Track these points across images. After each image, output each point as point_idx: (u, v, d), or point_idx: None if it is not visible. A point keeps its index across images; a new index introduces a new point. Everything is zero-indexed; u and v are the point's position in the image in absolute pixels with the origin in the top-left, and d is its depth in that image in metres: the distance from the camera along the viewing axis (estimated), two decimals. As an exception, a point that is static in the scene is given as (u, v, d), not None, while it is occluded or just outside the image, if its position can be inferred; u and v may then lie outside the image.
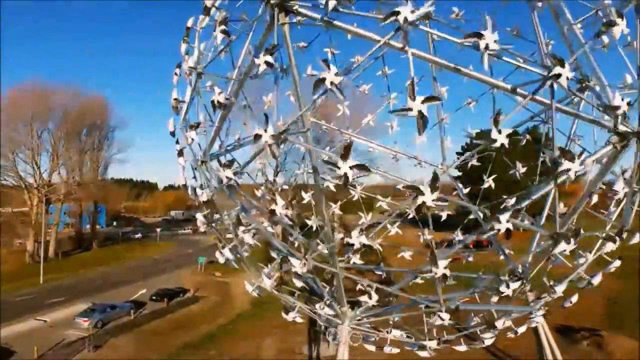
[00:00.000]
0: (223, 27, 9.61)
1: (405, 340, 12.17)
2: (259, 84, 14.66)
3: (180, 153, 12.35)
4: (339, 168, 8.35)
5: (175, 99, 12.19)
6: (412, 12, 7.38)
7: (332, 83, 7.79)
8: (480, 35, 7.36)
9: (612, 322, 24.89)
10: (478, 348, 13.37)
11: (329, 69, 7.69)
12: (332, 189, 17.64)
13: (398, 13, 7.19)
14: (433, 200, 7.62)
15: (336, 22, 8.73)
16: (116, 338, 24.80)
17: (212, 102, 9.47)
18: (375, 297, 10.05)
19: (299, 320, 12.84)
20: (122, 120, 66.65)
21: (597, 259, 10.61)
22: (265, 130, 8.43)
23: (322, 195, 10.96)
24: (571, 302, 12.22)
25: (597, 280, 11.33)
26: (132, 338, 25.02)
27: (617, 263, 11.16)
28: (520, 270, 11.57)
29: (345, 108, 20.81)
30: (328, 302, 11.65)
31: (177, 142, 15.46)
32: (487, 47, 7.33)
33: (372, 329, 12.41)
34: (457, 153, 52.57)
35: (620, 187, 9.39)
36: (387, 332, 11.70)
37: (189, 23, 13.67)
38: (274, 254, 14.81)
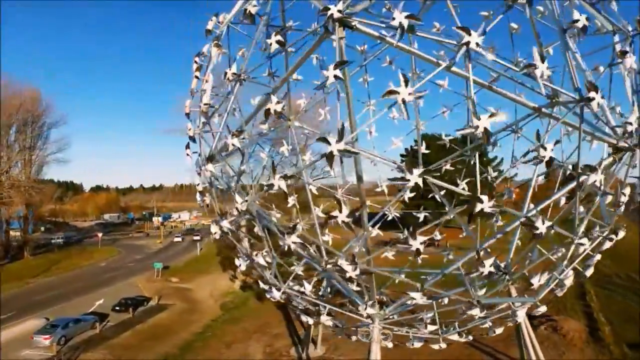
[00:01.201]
0: (279, 37, 9.88)
1: (432, 336, 13.09)
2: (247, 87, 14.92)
3: (211, 158, 12.18)
4: (408, 180, 9.07)
5: (207, 104, 12.01)
6: (480, 36, 8.40)
7: (403, 100, 8.50)
8: (535, 66, 8.57)
9: (559, 308, 28.24)
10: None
11: (406, 85, 8.37)
12: (315, 192, 18.29)
13: (469, 42, 8.11)
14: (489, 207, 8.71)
15: (400, 44, 9.47)
16: (86, 354, 22.97)
17: (268, 110, 9.72)
18: (419, 295, 10.81)
19: (328, 323, 13.22)
20: (61, 116, 59.20)
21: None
22: (337, 141, 8.92)
23: (365, 203, 11.45)
24: (562, 292, 13.99)
25: (589, 272, 13.13)
26: (105, 353, 23.33)
27: (598, 256, 13.06)
28: (503, 265, 13.01)
29: (327, 113, 21.54)
30: (366, 302, 12.15)
31: (188, 147, 15.10)
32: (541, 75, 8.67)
33: (400, 326, 13.18)
34: (402, 155, 55.50)
35: (628, 193, 11.10)
36: (421, 328, 12.53)
37: (210, 26, 13.48)
38: (264, 258, 14.91)
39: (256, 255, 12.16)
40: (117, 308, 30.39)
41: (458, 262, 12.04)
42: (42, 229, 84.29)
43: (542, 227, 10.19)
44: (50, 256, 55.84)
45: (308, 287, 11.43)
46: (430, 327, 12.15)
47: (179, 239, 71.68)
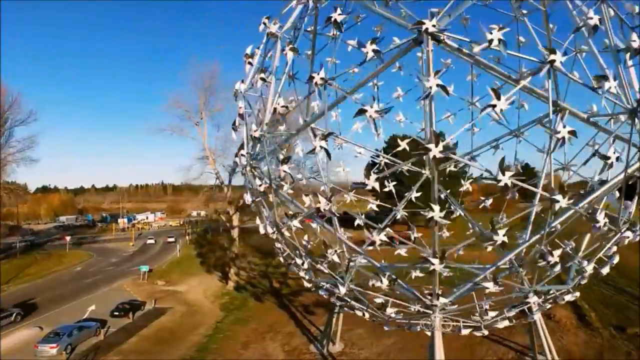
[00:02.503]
0: (374, 46, 10.55)
1: (476, 324, 14.18)
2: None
3: (286, 160, 12.57)
4: (498, 180, 10.14)
5: (284, 107, 12.35)
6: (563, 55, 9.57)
7: (501, 110, 9.57)
8: (607, 78, 9.86)
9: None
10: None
11: (499, 98, 9.46)
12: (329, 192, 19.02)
13: (554, 61, 9.27)
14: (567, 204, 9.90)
15: (479, 58, 10.48)
16: (100, 362, 22.10)
17: (363, 110, 10.34)
18: (491, 284, 11.85)
19: (393, 315, 13.93)
20: (30, 113, 52.24)
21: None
22: (435, 146, 9.79)
23: (437, 203, 12.28)
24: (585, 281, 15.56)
25: (616, 260, 14.74)
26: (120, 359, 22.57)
27: (614, 248, 14.73)
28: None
29: (338, 115, 22.33)
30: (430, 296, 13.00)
31: (242, 147, 15.24)
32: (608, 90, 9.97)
33: (459, 315, 14.18)
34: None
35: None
36: (481, 316, 13.57)
37: (273, 29, 13.81)
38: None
39: (331, 253, 12.58)
40: (116, 313, 29.27)
41: (508, 255, 13.18)
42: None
43: (602, 220, 11.58)
44: (15, 261, 51.99)
45: (385, 282, 12.08)
46: (492, 314, 13.24)
47: (152, 241, 69.20)
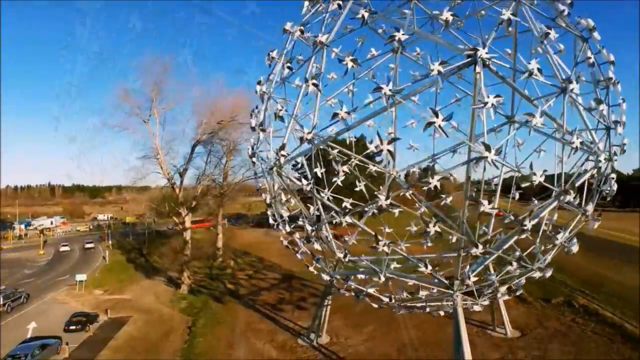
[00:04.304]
0: (440, 67, 12.42)
1: (474, 301, 16.78)
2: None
3: (345, 162, 13.67)
4: (533, 180, 12.67)
5: (348, 112, 13.48)
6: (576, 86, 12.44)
7: (535, 124, 12.10)
8: (602, 103, 12.99)
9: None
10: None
11: (541, 116, 12.00)
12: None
13: (567, 89, 12.10)
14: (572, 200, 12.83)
15: (511, 82, 13.03)
16: (79, 379, 20.09)
17: (430, 124, 12.07)
18: (516, 265, 14.41)
19: (423, 297, 15.73)
20: None
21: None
22: (489, 151, 12.03)
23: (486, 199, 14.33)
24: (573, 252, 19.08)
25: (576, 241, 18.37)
26: (100, 374, 20.77)
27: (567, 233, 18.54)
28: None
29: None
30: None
31: (283, 148, 16.13)
32: None
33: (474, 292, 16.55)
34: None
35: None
36: (496, 292, 16.07)
37: (323, 38, 14.91)
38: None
39: (385, 245, 13.83)
40: (72, 327, 26.43)
41: (511, 239, 15.89)
42: None
43: (590, 209, 14.81)
44: None
45: (429, 268, 13.82)
46: (502, 289, 15.85)
47: (67, 248, 61.94)
